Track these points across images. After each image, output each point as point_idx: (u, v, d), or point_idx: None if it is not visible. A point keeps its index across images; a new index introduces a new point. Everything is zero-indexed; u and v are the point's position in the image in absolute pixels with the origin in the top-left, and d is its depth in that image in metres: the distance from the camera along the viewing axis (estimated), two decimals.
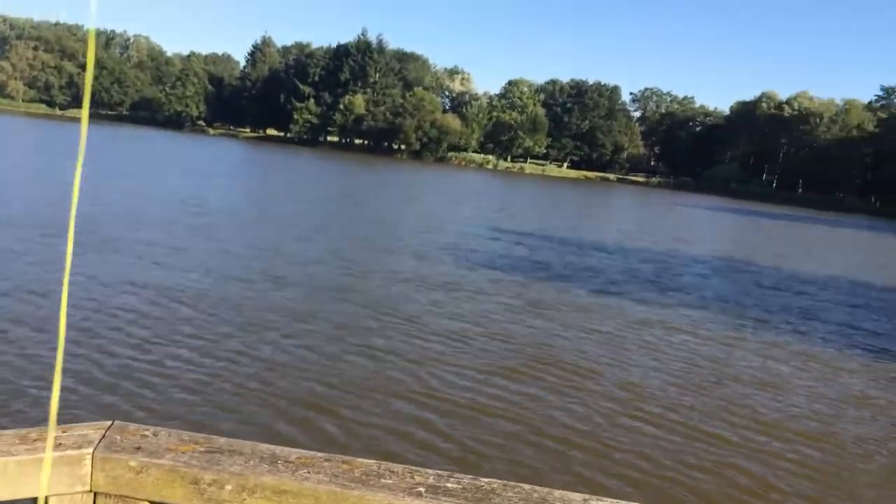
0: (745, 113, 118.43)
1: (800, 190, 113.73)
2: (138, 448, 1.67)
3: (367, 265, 17.50)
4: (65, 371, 7.99)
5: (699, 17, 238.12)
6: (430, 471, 1.67)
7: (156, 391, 7.98)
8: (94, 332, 9.79)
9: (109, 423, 1.79)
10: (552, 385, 9.83)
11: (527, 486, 1.62)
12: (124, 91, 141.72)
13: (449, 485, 1.60)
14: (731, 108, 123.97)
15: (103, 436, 1.71)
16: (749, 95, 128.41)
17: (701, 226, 45.60)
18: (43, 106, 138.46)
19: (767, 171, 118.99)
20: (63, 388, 7.81)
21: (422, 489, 1.57)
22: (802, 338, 14.81)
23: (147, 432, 1.75)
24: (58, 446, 1.64)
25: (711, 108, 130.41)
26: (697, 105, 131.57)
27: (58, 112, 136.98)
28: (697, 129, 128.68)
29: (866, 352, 14.24)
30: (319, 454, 1.72)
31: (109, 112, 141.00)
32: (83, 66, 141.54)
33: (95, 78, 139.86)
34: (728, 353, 12.83)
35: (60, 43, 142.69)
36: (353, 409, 8.19)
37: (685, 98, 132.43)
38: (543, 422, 8.41)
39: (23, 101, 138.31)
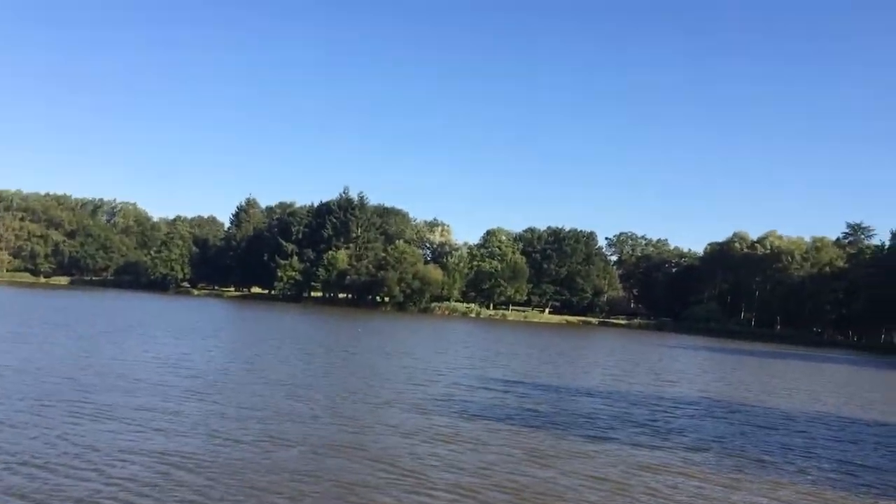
0: (719, 253, 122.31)
1: (778, 326, 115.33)
2: None
3: (363, 420, 17.42)
4: None
5: (668, 164, 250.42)
6: None
7: None
8: None
9: None
10: None
11: None
12: (109, 257, 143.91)
13: None
14: (705, 250, 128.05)
15: None
16: (721, 236, 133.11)
17: (685, 366, 45.81)
18: (27, 275, 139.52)
19: (745, 309, 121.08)
20: None
21: None
22: (806, 477, 14.80)
23: None
24: None
25: (685, 250, 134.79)
26: (672, 247, 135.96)
27: (42, 280, 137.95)
28: (673, 270, 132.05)
29: (871, 488, 14.22)
30: None
31: (94, 277, 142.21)
32: (69, 235, 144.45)
33: (81, 245, 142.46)
34: (736, 494, 12.79)
35: (48, 213, 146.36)
36: None
37: (659, 241, 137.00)
38: None
39: (7, 270, 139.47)
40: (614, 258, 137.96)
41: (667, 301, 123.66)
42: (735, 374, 42.42)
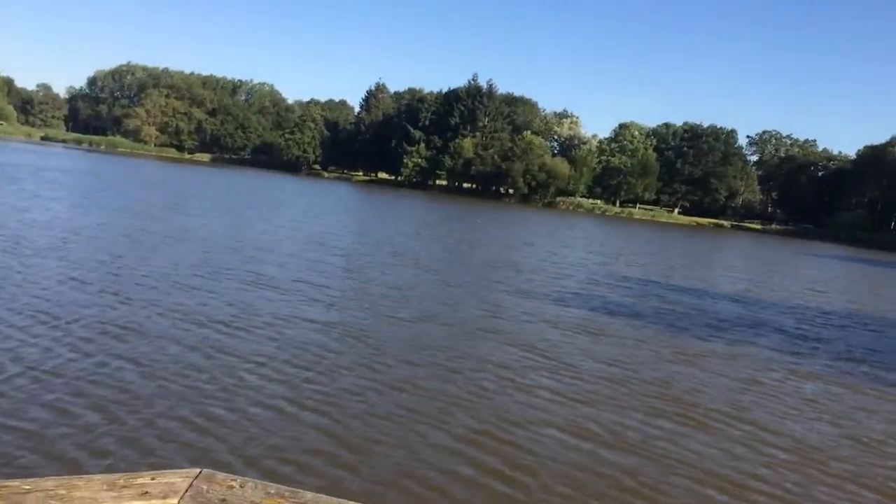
0: (874, 157, 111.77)
1: None
2: (223, 500, 1.62)
3: (507, 307, 17.53)
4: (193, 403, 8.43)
5: (821, 58, 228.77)
6: None
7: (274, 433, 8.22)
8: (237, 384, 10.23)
9: (198, 471, 1.75)
10: (719, 433, 9.45)
11: None
12: (247, 136, 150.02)
13: None
14: (858, 152, 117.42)
15: (190, 485, 1.67)
16: (878, 139, 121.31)
17: (832, 275, 43.04)
18: (173, 150, 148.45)
19: None
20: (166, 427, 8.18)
21: None
22: None
23: (234, 483, 1.71)
24: (144, 494, 1.61)
25: (835, 153, 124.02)
26: (820, 149, 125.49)
27: (186, 156, 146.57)
28: (820, 173, 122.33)
29: None
30: None
31: (233, 156, 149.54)
32: (210, 113, 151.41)
33: (221, 123, 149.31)
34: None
35: (191, 91, 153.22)
36: (508, 441, 8.14)
37: (806, 141, 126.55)
38: (718, 468, 8.07)
39: (155, 145, 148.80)
40: (754, 158, 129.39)
41: (809, 207, 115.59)
42: (889, 287, 39.55)
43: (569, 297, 20.35)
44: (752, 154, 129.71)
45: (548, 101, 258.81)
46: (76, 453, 6.74)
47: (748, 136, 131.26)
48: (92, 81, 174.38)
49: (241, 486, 1.69)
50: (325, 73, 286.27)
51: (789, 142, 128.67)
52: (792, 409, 11.19)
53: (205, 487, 1.66)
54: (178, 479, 1.70)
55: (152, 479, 1.69)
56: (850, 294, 33.01)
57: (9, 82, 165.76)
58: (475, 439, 8.34)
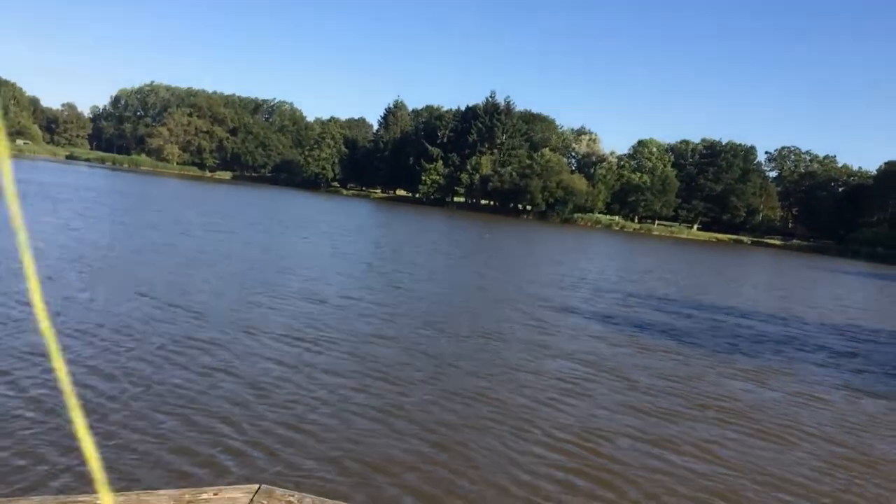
0: (895, 173, 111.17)
1: None
2: None
3: (553, 322, 17.85)
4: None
5: (842, 74, 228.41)
6: None
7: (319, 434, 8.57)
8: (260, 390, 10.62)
9: (257, 486, 1.82)
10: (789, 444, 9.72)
11: None
12: (267, 154, 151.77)
13: None
14: (879, 168, 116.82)
15: (251, 500, 1.74)
16: None
17: (868, 293, 42.94)
18: (195, 168, 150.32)
19: None
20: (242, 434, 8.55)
21: None
22: None
23: (293, 498, 1.77)
24: None
25: (856, 168, 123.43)
26: (840, 165, 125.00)
27: (207, 174, 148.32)
28: (840, 189, 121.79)
29: None
30: None
31: (253, 174, 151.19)
32: (231, 132, 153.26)
33: (242, 142, 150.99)
34: None
35: (212, 109, 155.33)
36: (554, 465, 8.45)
37: (826, 157, 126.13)
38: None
39: (177, 163, 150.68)
40: (773, 174, 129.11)
41: (830, 223, 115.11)
42: None
43: (610, 314, 20.66)
44: (771, 170, 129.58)
45: (566, 118, 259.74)
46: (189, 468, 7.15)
47: (767, 153, 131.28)
48: (116, 101, 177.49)
49: (298, 502, 1.76)
50: (345, 91, 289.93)
51: (809, 157, 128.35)
52: (853, 423, 11.43)
53: (265, 502, 1.73)
54: (240, 494, 1.76)
55: (215, 494, 1.76)
56: (880, 311, 33.00)
57: (34, 101, 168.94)
58: (559, 447, 8.67)
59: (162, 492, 1.73)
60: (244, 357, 11.12)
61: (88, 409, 8.08)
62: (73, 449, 6.95)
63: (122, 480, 6.44)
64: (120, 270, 18.02)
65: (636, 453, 8.79)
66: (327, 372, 10.82)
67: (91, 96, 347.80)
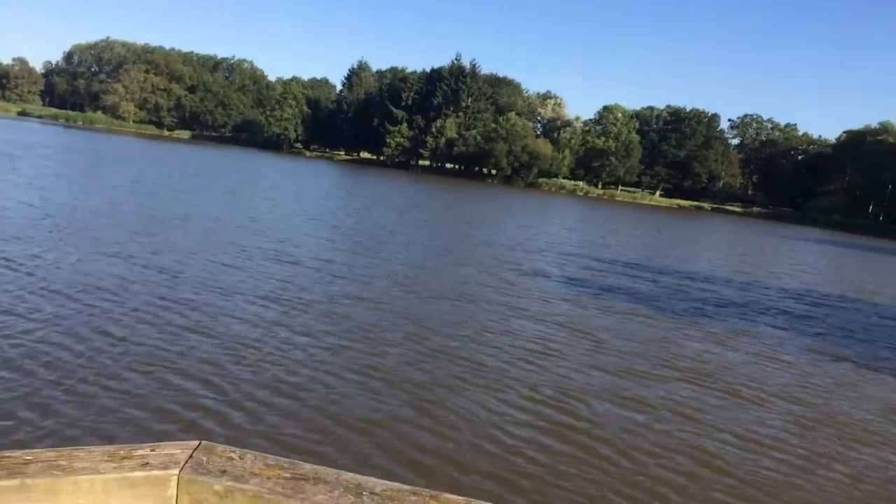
0: (854, 143, 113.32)
1: None
2: (224, 471, 1.65)
3: (526, 287, 18.00)
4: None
5: (803, 42, 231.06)
6: None
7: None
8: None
9: (197, 442, 1.79)
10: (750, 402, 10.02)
11: None
12: (227, 114, 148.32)
13: None
14: (839, 138, 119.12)
15: (190, 456, 1.71)
16: (858, 124, 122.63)
17: (819, 259, 44.10)
18: (152, 127, 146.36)
19: (874, 204, 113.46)
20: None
21: None
22: None
23: (233, 454, 1.75)
24: (144, 465, 1.64)
25: (816, 137, 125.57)
26: (801, 133, 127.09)
27: (165, 133, 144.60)
28: (800, 157, 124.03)
29: None
30: (406, 487, 1.66)
31: (213, 133, 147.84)
32: (190, 90, 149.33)
33: (201, 100, 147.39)
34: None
35: (169, 67, 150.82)
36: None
37: (788, 125, 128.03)
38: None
39: (133, 121, 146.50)
40: (735, 142, 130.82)
41: (789, 190, 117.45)
42: (870, 271, 40.70)
43: (577, 277, 20.94)
44: (733, 137, 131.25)
45: (531, 83, 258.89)
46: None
47: (730, 120, 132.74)
48: (69, 56, 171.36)
49: (240, 458, 1.73)
50: (307, 51, 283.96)
51: (770, 126, 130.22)
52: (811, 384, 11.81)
53: (204, 459, 1.70)
54: (178, 450, 1.73)
55: (152, 450, 1.73)
56: (836, 276, 33.98)
57: None
58: (531, 407, 8.80)
59: (97, 448, 1.69)
60: (218, 318, 11.00)
61: (61, 368, 7.93)
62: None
63: (91, 436, 6.36)
64: (89, 230, 17.60)
65: (607, 412, 8.98)
66: (303, 333, 10.77)
67: (44, 52, 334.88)
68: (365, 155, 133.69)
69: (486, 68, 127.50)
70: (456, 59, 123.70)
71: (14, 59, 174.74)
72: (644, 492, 6.81)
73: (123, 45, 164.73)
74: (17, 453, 1.63)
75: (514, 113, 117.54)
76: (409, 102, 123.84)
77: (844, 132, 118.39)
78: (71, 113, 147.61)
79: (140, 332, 9.77)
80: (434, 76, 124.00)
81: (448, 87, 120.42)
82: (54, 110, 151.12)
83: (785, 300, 21.90)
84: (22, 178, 27.40)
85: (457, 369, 9.95)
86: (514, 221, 40.96)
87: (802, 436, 9.03)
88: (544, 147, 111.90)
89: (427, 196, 56.33)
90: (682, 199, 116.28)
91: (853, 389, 11.80)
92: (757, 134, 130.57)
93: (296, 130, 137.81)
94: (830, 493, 7.34)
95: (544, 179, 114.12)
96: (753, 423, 9.29)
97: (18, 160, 36.64)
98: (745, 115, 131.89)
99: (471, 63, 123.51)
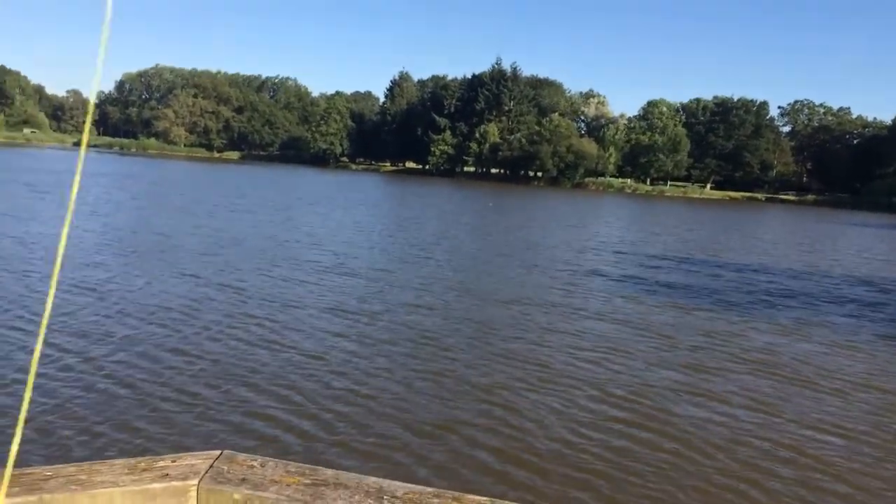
0: None
1: None
2: (243, 479, 1.65)
3: (587, 286, 17.86)
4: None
5: (853, 23, 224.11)
6: None
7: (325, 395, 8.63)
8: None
9: (219, 452, 1.80)
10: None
11: None
12: (274, 132, 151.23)
13: None
14: (895, 119, 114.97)
15: (211, 466, 1.71)
16: None
17: (888, 247, 42.57)
18: (202, 150, 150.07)
19: None
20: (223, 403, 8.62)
21: None
22: None
23: (255, 463, 1.75)
24: (164, 476, 1.64)
25: (870, 119, 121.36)
26: (854, 116, 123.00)
27: (215, 155, 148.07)
28: (855, 141, 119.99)
29: None
30: (428, 489, 1.66)
31: (261, 153, 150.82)
32: (237, 111, 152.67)
33: (248, 120, 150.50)
34: None
35: (217, 89, 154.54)
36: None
37: (840, 109, 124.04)
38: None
39: (184, 145, 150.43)
40: (787, 129, 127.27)
41: (846, 176, 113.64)
42: None
43: (635, 275, 20.67)
44: (784, 125, 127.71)
45: (573, 82, 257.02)
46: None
47: (780, 107, 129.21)
48: (120, 85, 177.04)
49: (261, 466, 1.74)
50: (349, 65, 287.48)
51: (822, 111, 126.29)
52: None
53: (225, 468, 1.71)
54: (199, 460, 1.75)
55: (173, 461, 1.74)
56: None
57: (39, 90, 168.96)
58: (612, 402, 8.72)
59: (118, 461, 1.71)
60: (284, 332, 11.21)
61: (138, 386, 8.19)
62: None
63: (169, 450, 6.52)
64: (153, 253, 18.14)
65: (680, 410, 8.83)
66: (367, 344, 10.89)
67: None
68: (410, 165, 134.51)
69: (526, 70, 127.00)
70: (496, 63, 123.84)
71: (68, 91, 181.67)
72: (727, 490, 6.67)
73: (172, 70, 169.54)
74: (39, 469, 1.66)
75: (557, 114, 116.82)
76: (452, 110, 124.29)
77: None
78: (125, 141, 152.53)
79: (210, 349, 10.01)
80: (475, 82, 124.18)
81: (490, 91, 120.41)
82: (108, 139, 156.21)
83: (852, 288, 21.22)
84: (86, 207, 28.36)
85: (522, 372, 9.92)
86: (563, 222, 40.67)
87: (890, 426, 8.72)
88: (589, 146, 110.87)
89: (473, 202, 56.37)
90: (733, 190, 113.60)
91: None
92: (809, 120, 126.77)
93: (341, 144, 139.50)
94: None
95: (591, 179, 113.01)
96: (837, 414, 9.02)
97: (81, 189, 37.97)
98: (796, 102, 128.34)
99: (511, 66, 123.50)
